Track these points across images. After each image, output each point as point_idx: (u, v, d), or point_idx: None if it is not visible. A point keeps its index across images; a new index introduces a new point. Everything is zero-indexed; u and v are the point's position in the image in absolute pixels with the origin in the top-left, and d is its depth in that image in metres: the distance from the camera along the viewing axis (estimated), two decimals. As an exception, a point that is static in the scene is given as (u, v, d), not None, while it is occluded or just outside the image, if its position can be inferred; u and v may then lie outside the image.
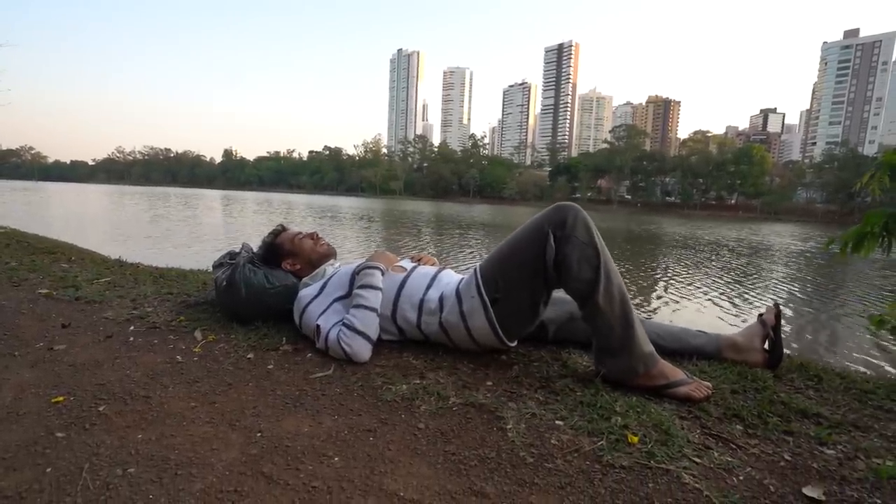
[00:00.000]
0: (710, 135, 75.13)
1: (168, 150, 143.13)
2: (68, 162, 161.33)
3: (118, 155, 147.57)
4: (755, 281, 10.05)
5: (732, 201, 64.19)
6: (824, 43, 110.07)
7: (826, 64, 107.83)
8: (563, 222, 1.25)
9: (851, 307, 7.78)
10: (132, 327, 1.62)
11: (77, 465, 0.85)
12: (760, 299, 8.08)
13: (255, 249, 1.82)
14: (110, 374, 1.25)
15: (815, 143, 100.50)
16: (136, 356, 1.38)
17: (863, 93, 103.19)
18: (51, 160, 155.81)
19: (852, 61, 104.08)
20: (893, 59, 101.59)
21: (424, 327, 1.45)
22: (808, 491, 0.85)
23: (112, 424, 1.00)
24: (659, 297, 8.10)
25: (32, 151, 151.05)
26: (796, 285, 9.73)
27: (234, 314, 1.67)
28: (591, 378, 1.28)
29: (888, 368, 4.67)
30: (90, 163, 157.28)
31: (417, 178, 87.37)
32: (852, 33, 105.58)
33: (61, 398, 1.10)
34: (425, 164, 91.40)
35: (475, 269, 1.40)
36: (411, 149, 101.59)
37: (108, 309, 1.83)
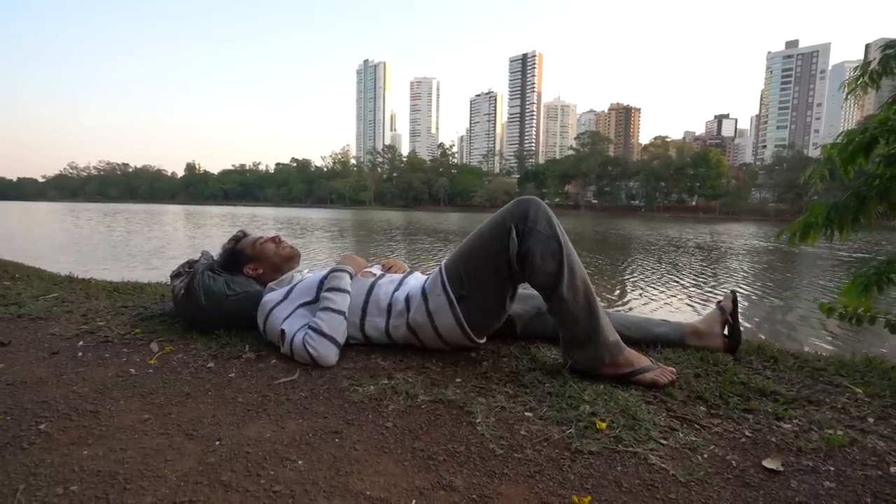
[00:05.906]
0: (669, 140, 78.04)
1: (126, 164, 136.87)
2: (14, 179, 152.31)
3: (71, 171, 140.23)
4: (706, 277, 10.48)
5: (693, 203, 66.85)
6: (769, 52, 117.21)
7: (771, 72, 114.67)
8: (525, 216, 1.26)
9: (801, 296, 8.23)
10: (81, 342, 1.53)
11: (11, 487, 0.78)
12: (712, 292, 8.46)
13: (215, 257, 1.75)
14: (54, 390, 1.17)
15: (765, 147, 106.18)
16: (85, 371, 1.29)
17: (805, 99, 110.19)
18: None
19: (794, 70, 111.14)
20: (829, 68, 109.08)
21: (393, 331, 1.43)
22: (768, 463, 0.88)
23: (54, 442, 0.93)
24: (621, 292, 8.39)
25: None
26: (746, 278, 10.19)
27: (193, 323, 1.60)
28: (559, 369, 1.29)
29: (836, 348, 4.96)
30: (40, 180, 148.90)
31: (387, 187, 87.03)
32: (793, 44, 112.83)
33: (-4, 418, 1.02)
34: (395, 174, 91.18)
35: (440, 267, 1.39)
36: (380, 159, 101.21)
37: (54, 325, 1.71)
